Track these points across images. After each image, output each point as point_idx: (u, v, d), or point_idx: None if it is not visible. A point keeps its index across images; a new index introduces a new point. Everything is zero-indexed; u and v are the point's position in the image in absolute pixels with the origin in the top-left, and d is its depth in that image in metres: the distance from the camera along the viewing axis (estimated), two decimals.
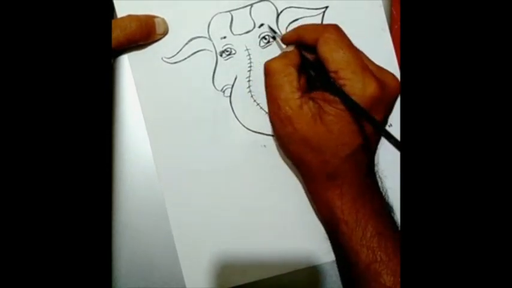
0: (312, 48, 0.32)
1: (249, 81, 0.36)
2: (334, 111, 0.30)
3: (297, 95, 0.31)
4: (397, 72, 0.36)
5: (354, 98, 0.29)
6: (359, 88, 0.29)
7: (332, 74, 0.30)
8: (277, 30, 0.36)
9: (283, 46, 0.35)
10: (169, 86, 0.36)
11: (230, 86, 0.36)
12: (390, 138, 0.27)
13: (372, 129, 0.31)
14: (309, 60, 0.33)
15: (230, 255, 0.36)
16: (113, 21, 0.34)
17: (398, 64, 0.37)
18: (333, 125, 0.30)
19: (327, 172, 0.32)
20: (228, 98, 0.36)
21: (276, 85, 0.32)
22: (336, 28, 0.32)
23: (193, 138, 0.36)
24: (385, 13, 0.37)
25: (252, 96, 0.36)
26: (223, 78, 0.36)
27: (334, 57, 0.30)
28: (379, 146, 0.34)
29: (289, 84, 0.31)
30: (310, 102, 0.31)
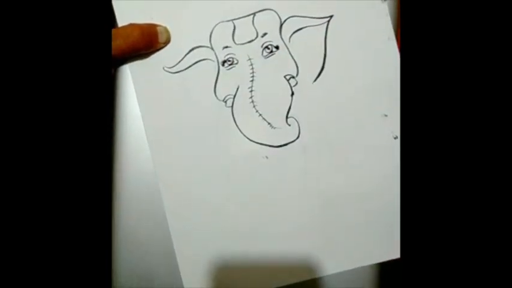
0: None
1: (251, 91, 0.36)
2: None
3: None
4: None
5: None
6: None
7: None
8: (280, 40, 0.36)
9: (287, 56, 0.34)
10: (170, 95, 0.36)
11: (232, 96, 0.36)
12: None
13: None
14: None
15: (229, 264, 0.36)
16: (115, 30, 0.33)
17: None
18: None
19: None
20: (230, 108, 0.36)
21: None
22: None
23: (194, 148, 0.36)
24: (392, 22, 0.36)
25: (254, 106, 0.36)
26: (225, 88, 0.36)
27: None
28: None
29: None
30: None
